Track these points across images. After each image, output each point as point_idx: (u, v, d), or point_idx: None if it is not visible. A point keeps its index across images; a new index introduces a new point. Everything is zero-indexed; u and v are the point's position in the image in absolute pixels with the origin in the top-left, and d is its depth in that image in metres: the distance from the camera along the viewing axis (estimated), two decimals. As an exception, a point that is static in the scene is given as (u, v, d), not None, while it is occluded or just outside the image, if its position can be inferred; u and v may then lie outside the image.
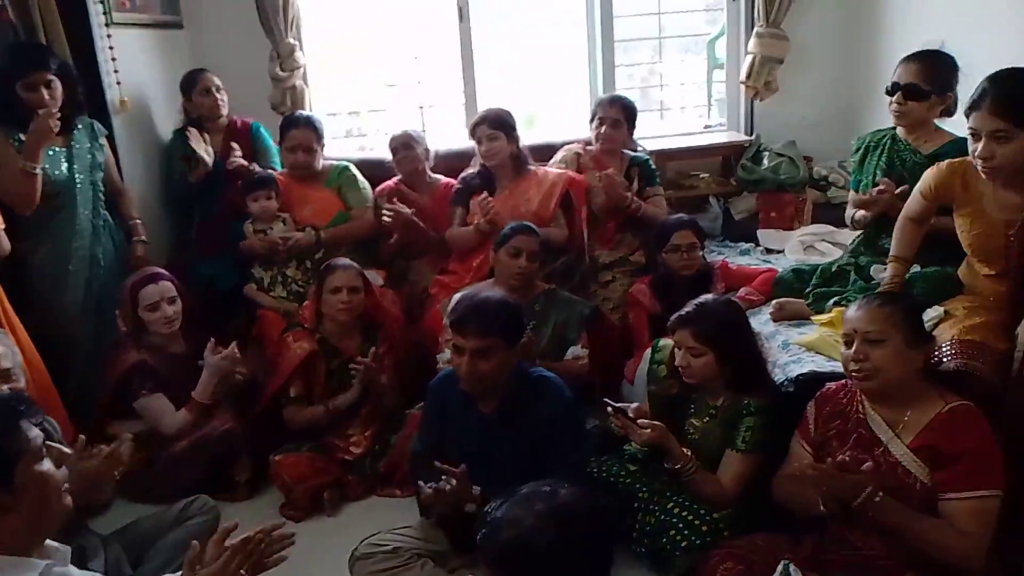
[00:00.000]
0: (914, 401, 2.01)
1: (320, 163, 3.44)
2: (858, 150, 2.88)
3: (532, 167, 3.36)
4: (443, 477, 2.09)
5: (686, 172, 4.08)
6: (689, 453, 2.31)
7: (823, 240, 3.46)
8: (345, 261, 3.00)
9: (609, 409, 2.34)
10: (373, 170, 3.56)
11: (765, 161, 3.91)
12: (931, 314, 2.38)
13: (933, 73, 2.57)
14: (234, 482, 2.86)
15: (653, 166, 3.52)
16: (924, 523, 1.90)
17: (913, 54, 2.63)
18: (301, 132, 3.35)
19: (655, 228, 3.18)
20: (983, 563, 1.90)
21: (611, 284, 3.34)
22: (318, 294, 2.91)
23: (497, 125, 3.22)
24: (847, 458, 1.93)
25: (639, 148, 3.71)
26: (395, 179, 3.51)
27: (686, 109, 4.39)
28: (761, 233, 3.80)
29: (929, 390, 2.03)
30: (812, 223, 3.72)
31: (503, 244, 2.87)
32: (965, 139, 2.51)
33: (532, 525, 1.38)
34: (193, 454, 2.77)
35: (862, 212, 2.77)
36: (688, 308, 2.34)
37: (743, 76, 3.96)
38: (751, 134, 4.08)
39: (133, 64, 3.42)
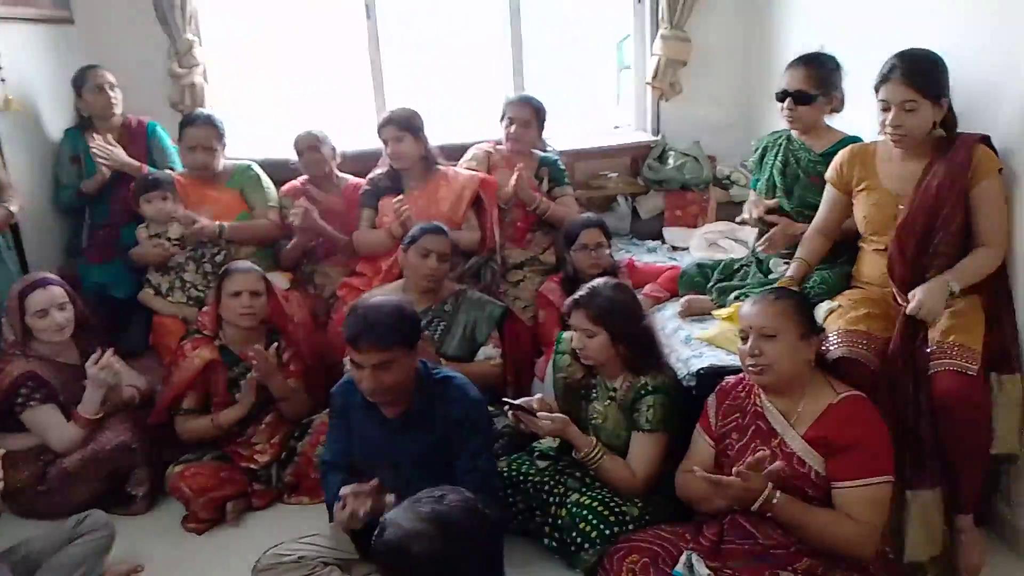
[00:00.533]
0: (807, 393, 2.09)
1: (221, 163, 3.35)
2: (757, 150, 2.97)
3: (442, 167, 3.33)
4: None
5: (595, 172, 4.13)
6: (594, 440, 2.35)
7: (726, 237, 3.54)
8: (246, 264, 2.91)
9: (506, 408, 2.36)
10: (277, 170, 3.48)
11: (671, 161, 3.99)
12: (824, 308, 2.48)
13: (818, 76, 2.67)
14: (130, 496, 2.75)
15: (562, 166, 3.55)
16: (820, 516, 1.97)
17: (796, 60, 2.72)
18: (200, 130, 3.25)
19: (564, 227, 3.21)
20: (875, 549, 1.99)
21: (522, 283, 3.34)
22: (217, 299, 2.81)
23: (404, 126, 3.18)
24: (743, 467, 1.96)
25: (549, 148, 3.73)
26: (301, 179, 3.44)
27: (595, 110, 4.43)
28: (667, 231, 3.89)
29: (822, 382, 2.11)
30: (716, 221, 3.81)
31: (412, 245, 2.83)
32: (854, 138, 2.70)
33: (412, 529, 1.42)
34: (86, 468, 2.64)
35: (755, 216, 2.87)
36: (581, 291, 2.40)
37: (649, 77, 4.04)
38: (657, 134, 4.16)
39: (19, 61, 3.25)
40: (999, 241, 2.28)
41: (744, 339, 2.11)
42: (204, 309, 2.98)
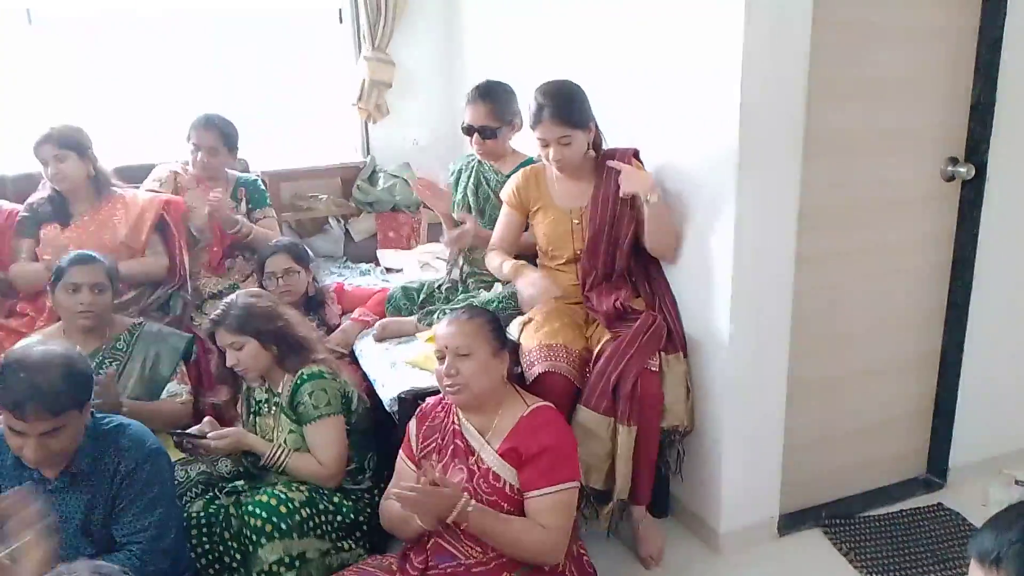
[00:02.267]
0: (501, 408, 2.12)
1: None
2: (453, 173, 3.05)
3: (118, 190, 2.99)
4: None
5: (303, 194, 3.99)
6: (276, 443, 2.29)
7: (438, 258, 3.58)
8: None
9: (176, 439, 2.24)
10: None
11: (381, 182, 3.97)
12: (517, 323, 2.56)
13: (497, 110, 2.81)
14: None
15: (263, 186, 3.37)
16: (512, 525, 2.00)
17: (473, 95, 2.83)
18: None
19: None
20: (563, 556, 2.05)
21: (221, 315, 3.10)
22: None
23: (66, 144, 2.82)
24: (437, 473, 1.97)
25: (251, 170, 3.53)
26: (-60, 208, 2.93)
27: (304, 130, 4.27)
28: (381, 253, 3.86)
29: (514, 396, 2.16)
30: (428, 242, 3.85)
31: (58, 282, 2.48)
32: (533, 158, 2.83)
33: None
34: None
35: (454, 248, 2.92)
36: (216, 311, 2.34)
37: (354, 99, 3.98)
38: (367, 156, 4.12)
39: None
40: None
41: (441, 359, 2.10)
42: None
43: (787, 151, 2.29)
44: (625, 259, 2.54)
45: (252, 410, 2.42)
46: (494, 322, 2.18)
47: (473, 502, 1.96)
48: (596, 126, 2.52)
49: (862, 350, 2.69)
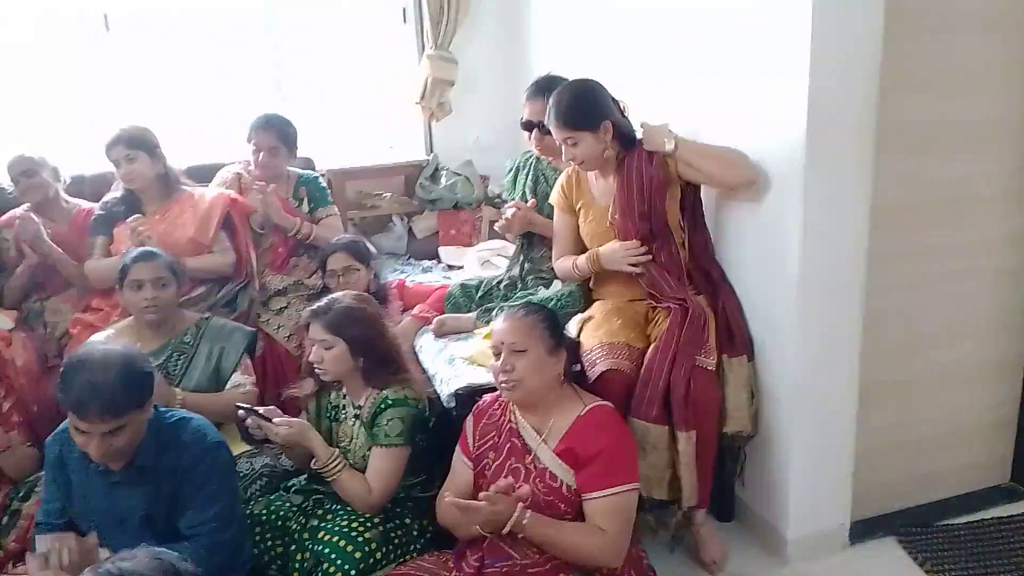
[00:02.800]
0: (558, 407, 2.09)
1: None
2: (510, 170, 3.03)
3: (187, 188, 3.07)
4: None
5: (368, 192, 4.03)
6: (336, 451, 2.25)
7: (498, 255, 3.57)
8: (-48, 306, 2.53)
9: (240, 412, 2.21)
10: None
11: (443, 180, 3.99)
12: (576, 321, 2.53)
13: None
14: None
15: (324, 184, 3.40)
16: (568, 531, 1.97)
17: (535, 91, 2.79)
18: None
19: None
20: (623, 560, 2.01)
21: (286, 311, 3.15)
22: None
23: (136, 144, 2.89)
24: (498, 486, 1.94)
25: (317, 169, 3.59)
26: (23, 208, 3.05)
27: (369, 129, 4.33)
28: (442, 250, 3.88)
29: (571, 395, 2.13)
30: (489, 239, 3.84)
31: (123, 280, 2.53)
32: None
33: None
34: None
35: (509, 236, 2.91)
36: (320, 302, 2.30)
37: (418, 98, 4.01)
38: (430, 154, 4.14)
39: None
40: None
41: (497, 355, 2.09)
42: None
43: (858, 144, 2.20)
44: (666, 242, 2.46)
45: (327, 415, 2.40)
46: (551, 319, 2.15)
47: (529, 512, 1.92)
48: (615, 124, 2.44)
49: (939, 354, 2.57)
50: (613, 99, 2.48)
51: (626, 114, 2.52)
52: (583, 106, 2.43)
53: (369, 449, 2.26)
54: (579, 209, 2.64)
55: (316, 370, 2.29)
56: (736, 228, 2.50)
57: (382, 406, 2.24)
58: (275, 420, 2.19)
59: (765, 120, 2.28)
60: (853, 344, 2.37)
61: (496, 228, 2.92)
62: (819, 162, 2.16)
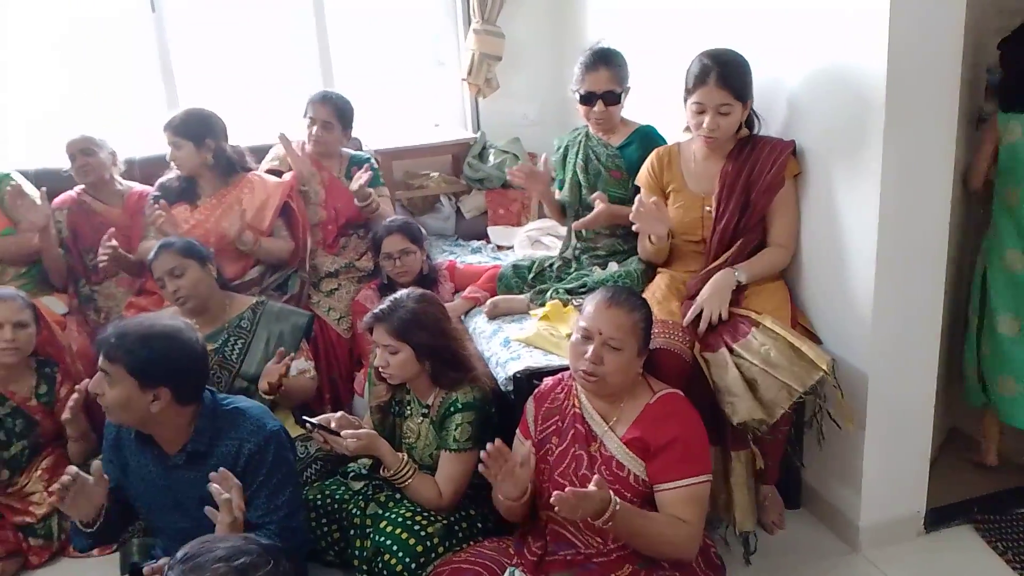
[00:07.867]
0: (627, 394, 2.01)
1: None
2: (559, 149, 2.94)
3: (246, 174, 3.03)
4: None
5: (415, 172, 3.97)
6: (404, 457, 2.20)
7: (548, 234, 3.49)
8: (8, 291, 2.55)
9: (308, 427, 2.17)
10: (51, 181, 3.06)
11: (491, 158, 3.91)
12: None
13: (619, 75, 2.69)
14: None
15: (376, 165, 3.36)
16: (658, 522, 1.89)
17: (593, 62, 2.67)
18: None
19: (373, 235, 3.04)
20: (697, 550, 1.94)
21: (336, 292, 3.12)
22: (-28, 333, 2.41)
23: (180, 132, 2.85)
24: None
25: (365, 148, 3.54)
26: (77, 189, 3.06)
27: (415, 107, 4.27)
28: (491, 230, 3.80)
29: (640, 381, 2.04)
30: (538, 218, 3.76)
31: (152, 272, 2.53)
32: (647, 127, 2.75)
33: None
34: None
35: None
36: (382, 305, 2.24)
37: (464, 74, 3.93)
38: (477, 131, 4.06)
39: None
40: (789, 243, 2.40)
41: (586, 339, 1.97)
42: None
43: (941, 108, 2.08)
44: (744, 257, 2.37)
45: (393, 410, 2.36)
46: (648, 319, 2.04)
47: (620, 502, 1.80)
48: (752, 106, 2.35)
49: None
50: None
51: None
52: (747, 76, 2.30)
53: (437, 448, 2.21)
54: (668, 192, 2.53)
55: (382, 373, 2.24)
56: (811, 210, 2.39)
57: (451, 409, 2.19)
58: (343, 433, 2.14)
59: (840, 81, 2.17)
60: (933, 325, 2.25)
61: (575, 226, 2.81)
62: (898, 126, 2.04)
